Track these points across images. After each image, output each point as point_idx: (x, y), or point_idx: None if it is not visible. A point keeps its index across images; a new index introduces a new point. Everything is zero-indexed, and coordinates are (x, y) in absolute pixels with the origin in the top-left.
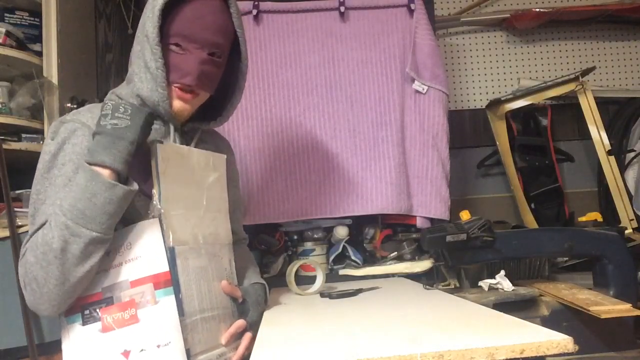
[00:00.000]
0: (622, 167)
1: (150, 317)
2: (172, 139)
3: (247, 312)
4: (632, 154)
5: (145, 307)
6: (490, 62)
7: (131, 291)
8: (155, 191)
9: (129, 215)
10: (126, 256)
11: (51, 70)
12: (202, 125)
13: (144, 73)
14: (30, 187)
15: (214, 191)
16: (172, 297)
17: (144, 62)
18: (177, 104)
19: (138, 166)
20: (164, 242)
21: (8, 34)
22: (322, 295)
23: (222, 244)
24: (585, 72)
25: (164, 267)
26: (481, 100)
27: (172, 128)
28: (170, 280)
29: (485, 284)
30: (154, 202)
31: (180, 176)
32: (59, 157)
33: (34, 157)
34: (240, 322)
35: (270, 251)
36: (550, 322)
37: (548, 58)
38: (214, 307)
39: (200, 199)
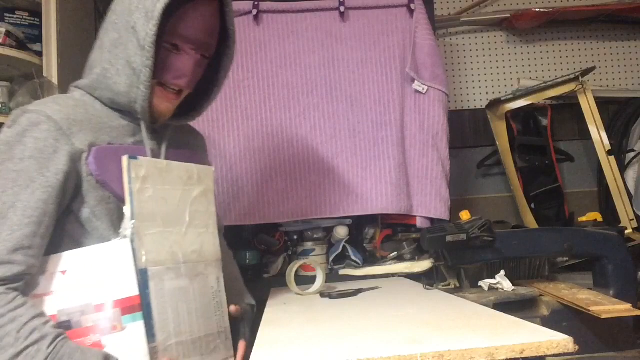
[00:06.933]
0: (622, 167)
1: (116, 345)
2: (144, 137)
3: (245, 332)
4: (632, 154)
5: (111, 333)
6: (490, 62)
7: (95, 316)
8: (127, 210)
9: (104, 232)
10: (91, 277)
11: (51, 70)
12: (174, 121)
13: (122, 66)
14: None
15: (199, 206)
16: (141, 323)
17: (125, 55)
18: (163, 105)
19: (119, 175)
20: (135, 263)
21: (8, 34)
22: (322, 295)
23: (208, 261)
24: (585, 72)
25: (134, 291)
26: (481, 100)
27: (143, 126)
28: (140, 305)
29: (485, 284)
30: (125, 221)
31: (159, 192)
32: (17, 149)
33: None
34: (243, 345)
35: (270, 251)
36: (550, 322)
37: (548, 58)
38: (194, 330)
39: (182, 215)
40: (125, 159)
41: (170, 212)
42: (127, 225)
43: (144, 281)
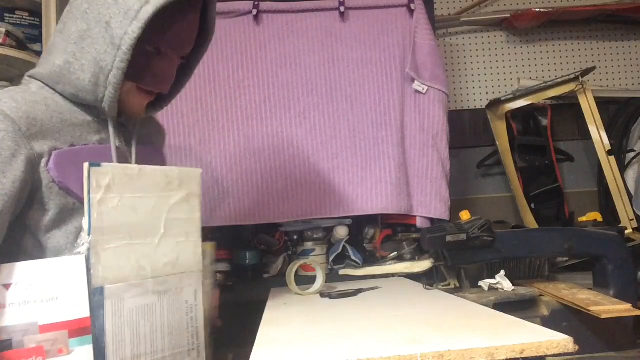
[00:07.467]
0: (622, 167)
1: None
2: (111, 136)
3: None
4: (632, 154)
5: (56, 357)
6: (490, 62)
7: (40, 337)
8: (85, 223)
9: (62, 242)
10: (38, 295)
11: None
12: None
13: (88, 62)
14: None
15: (179, 213)
16: (90, 347)
17: (93, 51)
18: (139, 106)
19: (82, 180)
20: (90, 282)
21: (8, 34)
22: (322, 295)
23: (184, 273)
24: (585, 72)
25: (84, 313)
26: (481, 100)
27: (110, 123)
28: (89, 328)
29: (485, 284)
30: (82, 235)
31: (127, 201)
32: None
33: None
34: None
35: (270, 251)
36: (550, 322)
37: (548, 58)
38: (156, 350)
39: (156, 225)
40: (86, 166)
41: (141, 222)
42: (84, 240)
43: (99, 301)
